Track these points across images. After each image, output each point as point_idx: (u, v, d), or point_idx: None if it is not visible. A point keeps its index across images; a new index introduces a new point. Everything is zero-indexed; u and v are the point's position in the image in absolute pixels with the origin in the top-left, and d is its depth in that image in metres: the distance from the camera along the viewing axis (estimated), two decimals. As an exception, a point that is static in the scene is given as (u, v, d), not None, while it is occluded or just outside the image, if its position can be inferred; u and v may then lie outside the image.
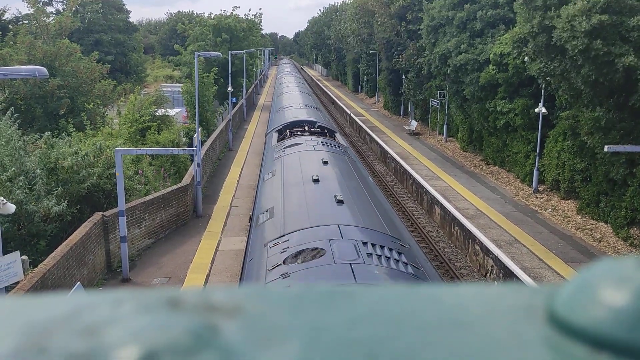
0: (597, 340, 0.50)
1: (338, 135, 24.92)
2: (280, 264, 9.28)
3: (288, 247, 9.83)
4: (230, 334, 0.55)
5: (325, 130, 24.01)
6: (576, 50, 18.29)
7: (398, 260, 9.38)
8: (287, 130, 23.42)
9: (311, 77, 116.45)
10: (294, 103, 32.76)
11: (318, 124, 24.83)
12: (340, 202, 12.05)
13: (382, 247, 9.69)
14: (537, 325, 0.56)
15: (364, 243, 9.58)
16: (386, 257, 9.31)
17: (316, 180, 13.94)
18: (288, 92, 40.90)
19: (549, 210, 24.12)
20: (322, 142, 19.80)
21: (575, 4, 18.44)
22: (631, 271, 0.54)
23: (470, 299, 0.64)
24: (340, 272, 8.56)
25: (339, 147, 20.94)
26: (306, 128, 23.61)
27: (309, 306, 0.61)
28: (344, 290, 0.65)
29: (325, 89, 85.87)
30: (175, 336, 0.52)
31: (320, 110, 35.26)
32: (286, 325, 0.57)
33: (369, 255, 9.13)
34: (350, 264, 8.72)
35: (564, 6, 19.03)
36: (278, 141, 22.16)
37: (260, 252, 10.59)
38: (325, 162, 16.31)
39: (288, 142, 20.56)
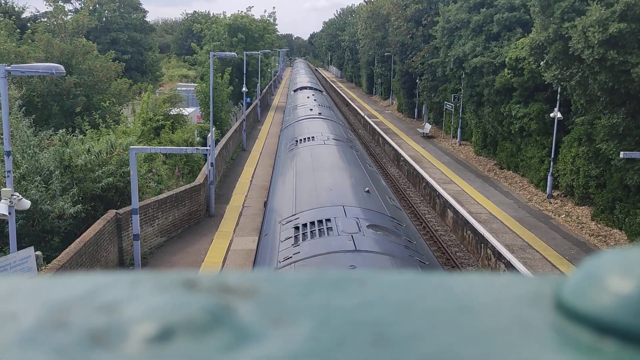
0: (603, 326, 0.52)
1: (324, 92, 54.89)
2: (294, 119, 30.66)
3: (298, 116, 29.75)
4: (244, 314, 0.56)
5: (318, 89, 51.48)
6: (591, 59, 18.16)
7: (337, 125, 28.81)
8: (298, 89, 48.51)
9: (325, 78, 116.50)
10: (303, 80, 62.42)
11: (314, 87, 51.20)
12: (314, 100, 36.08)
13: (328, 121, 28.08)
14: (544, 312, 0.58)
15: (319, 113, 29.53)
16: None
17: (308, 97, 37.29)
18: (300, 76, 73.29)
19: (563, 215, 23.97)
20: (314, 92, 44.25)
21: (591, 15, 18.28)
22: (636, 260, 0.55)
23: (479, 286, 0.66)
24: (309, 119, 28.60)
25: (323, 94, 48.92)
26: (307, 89, 47.78)
27: (321, 290, 0.63)
28: (354, 276, 0.67)
29: (339, 91, 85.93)
30: (191, 314, 0.54)
31: (317, 82, 69.87)
32: (298, 307, 0.58)
33: (320, 114, 29.40)
34: (307, 117, 28.69)
35: (579, 18, 18.87)
36: (293, 93, 47.86)
37: (289, 123, 29.51)
38: (314, 95, 39.70)
39: (298, 92, 45.61)
